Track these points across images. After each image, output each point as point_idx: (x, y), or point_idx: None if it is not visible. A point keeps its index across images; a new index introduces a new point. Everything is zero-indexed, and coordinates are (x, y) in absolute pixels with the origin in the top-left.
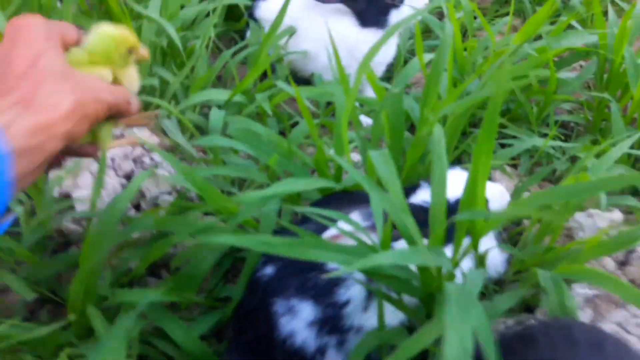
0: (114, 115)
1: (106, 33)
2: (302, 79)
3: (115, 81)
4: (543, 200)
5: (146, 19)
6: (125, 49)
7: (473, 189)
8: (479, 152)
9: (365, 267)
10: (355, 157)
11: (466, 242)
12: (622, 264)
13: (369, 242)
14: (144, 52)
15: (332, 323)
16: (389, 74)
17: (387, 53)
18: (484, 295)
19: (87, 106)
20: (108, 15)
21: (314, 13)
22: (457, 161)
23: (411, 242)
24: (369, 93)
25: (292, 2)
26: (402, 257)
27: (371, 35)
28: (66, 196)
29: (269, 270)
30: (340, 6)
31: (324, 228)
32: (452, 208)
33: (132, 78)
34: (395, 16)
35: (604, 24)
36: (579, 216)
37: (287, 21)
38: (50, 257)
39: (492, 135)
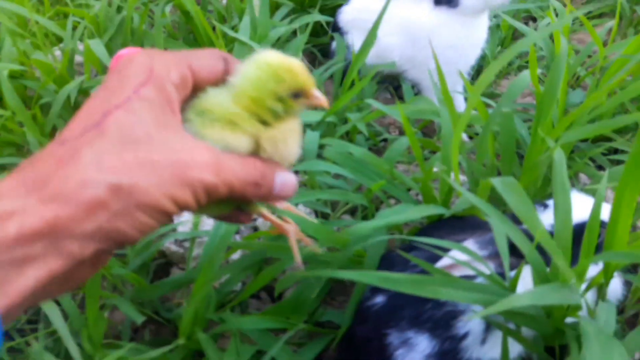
0: (235, 198)
1: (265, 64)
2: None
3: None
4: None
5: (237, 42)
6: (289, 92)
7: (614, 226)
8: (622, 189)
9: (504, 309)
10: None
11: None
12: None
13: (487, 272)
14: (320, 98)
15: (450, 356)
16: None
17: (472, 58)
18: None
19: (142, 192)
20: (193, 36)
21: (392, 3)
22: None
23: (544, 279)
24: (459, 101)
25: None
26: (540, 297)
27: (444, 15)
28: None
29: (379, 299)
30: None
31: (433, 257)
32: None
33: (284, 141)
34: None
35: None
36: None
37: (366, 17)
38: (152, 278)
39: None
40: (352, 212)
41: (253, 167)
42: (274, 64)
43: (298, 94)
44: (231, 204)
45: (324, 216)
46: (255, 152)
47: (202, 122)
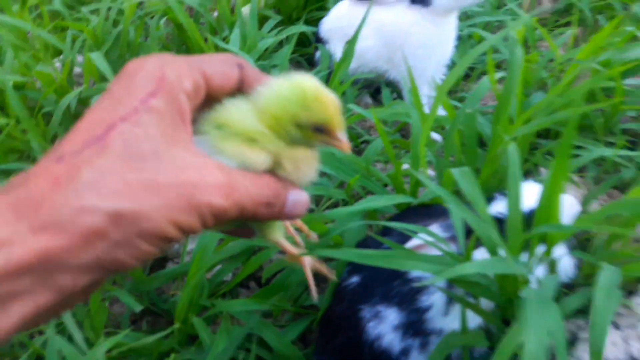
0: (245, 218)
1: (298, 86)
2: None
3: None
4: (611, 212)
5: (228, 53)
6: (311, 123)
7: (548, 203)
8: (554, 171)
9: (453, 276)
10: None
11: (540, 249)
12: None
13: (450, 251)
14: (342, 142)
15: (415, 327)
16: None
17: (443, 57)
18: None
19: (145, 219)
20: (186, 47)
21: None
22: (526, 173)
23: (493, 252)
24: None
25: (342, 5)
26: (486, 267)
27: (417, 15)
28: None
29: (354, 279)
30: None
31: (404, 241)
32: (526, 218)
33: (306, 162)
34: None
35: None
36: None
37: (344, 25)
38: (149, 272)
39: (567, 157)
40: (335, 206)
41: (267, 186)
42: (306, 90)
43: (321, 128)
44: (237, 222)
45: (309, 211)
46: (272, 169)
47: (218, 136)
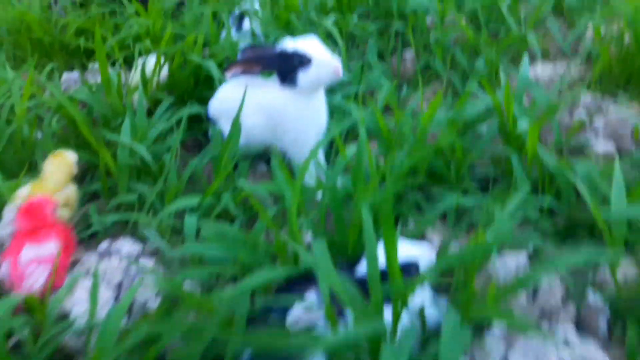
0: None
1: None
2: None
3: None
4: (446, 264)
5: (120, 145)
6: None
7: (390, 262)
8: (385, 236)
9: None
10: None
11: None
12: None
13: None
14: None
15: None
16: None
17: (319, 126)
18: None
19: None
20: (83, 143)
21: (248, 90)
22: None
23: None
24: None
25: (226, 87)
26: (348, 335)
27: (289, 94)
28: (66, 314)
29: (245, 356)
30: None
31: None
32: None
33: None
34: (304, 76)
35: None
36: (496, 260)
37: (229, 106)
38: None
39: (391, 224)
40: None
41: None
42: None
43: None
44: None
45: (210, 288)
46: None
47: None
